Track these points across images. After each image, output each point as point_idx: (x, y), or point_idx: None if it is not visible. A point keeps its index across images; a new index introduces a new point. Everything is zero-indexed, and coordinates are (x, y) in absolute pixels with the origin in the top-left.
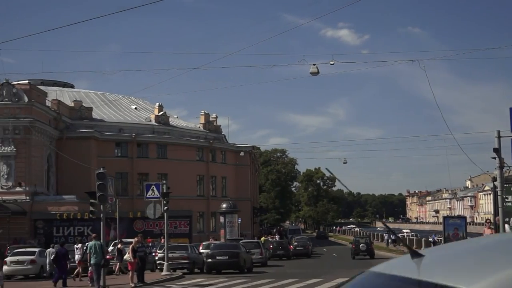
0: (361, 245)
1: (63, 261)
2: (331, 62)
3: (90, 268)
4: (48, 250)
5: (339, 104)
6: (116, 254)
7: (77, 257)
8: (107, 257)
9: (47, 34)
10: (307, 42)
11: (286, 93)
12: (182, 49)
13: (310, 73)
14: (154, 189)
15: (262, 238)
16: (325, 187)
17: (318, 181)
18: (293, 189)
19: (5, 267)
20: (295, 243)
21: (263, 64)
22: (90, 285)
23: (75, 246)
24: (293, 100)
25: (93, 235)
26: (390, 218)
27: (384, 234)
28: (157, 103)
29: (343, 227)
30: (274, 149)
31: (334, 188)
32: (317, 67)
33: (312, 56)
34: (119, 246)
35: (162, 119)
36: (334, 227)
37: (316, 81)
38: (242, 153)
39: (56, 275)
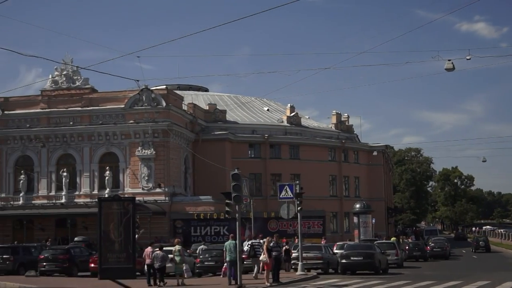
0: (480, 242)
1: None
2: (468, 57)
3: (225, 265)
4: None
5: (476, 100)
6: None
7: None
8: (243, 256)
9: (183, 40)
10: (441, 37)
11: (420, 90)
12: (312, 49)
13: (445, 69)
14: (287, 189)
15: (393, 238)
16: (462, 186)
17: (455, 180)
18: (429, 188)
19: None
20: (432, 244)
21: (395, 62)
22: (222, 277)
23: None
24: (427, 97)
25: (231, 235)
26: None
27: None
28: (289, 104)
29: (483, 227)
30: (408, 148)
31: (473, 188)
32: (452, 63)
33: (446, 52)
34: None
35: (294, 120)
36: (473, 228)
37: (451, 77)
38: (375, 153)
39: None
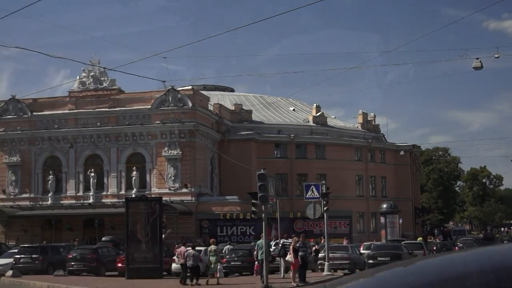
0: (504, 242)
1: None
2: (496, 55)
3: (256, 263)
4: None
5: (505, 99)
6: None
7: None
8: (273, 255)
9: (208, 41)
10: (468, 35)
11: (447, 89)
12: (338, 48)
13: (473, 67)
14: (314, 189)
15: (419, 238)
16: (491, 186)
17: (484, 180)
18: (456, 188)
19: (173, 265)
20: (460, 244)
21: (422, 61)
22: (254, 275)
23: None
24: (454, 96)
25: (262, 234)
26: None
27: None
28: (315, 104)
29: None
30: (435, 148)
31: (502, 187)
32: (480, 61)
33: (474, 50)
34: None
35: (320, 120)
36: (502, 228)
37: (479, 76)
38: (402, 152)
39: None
